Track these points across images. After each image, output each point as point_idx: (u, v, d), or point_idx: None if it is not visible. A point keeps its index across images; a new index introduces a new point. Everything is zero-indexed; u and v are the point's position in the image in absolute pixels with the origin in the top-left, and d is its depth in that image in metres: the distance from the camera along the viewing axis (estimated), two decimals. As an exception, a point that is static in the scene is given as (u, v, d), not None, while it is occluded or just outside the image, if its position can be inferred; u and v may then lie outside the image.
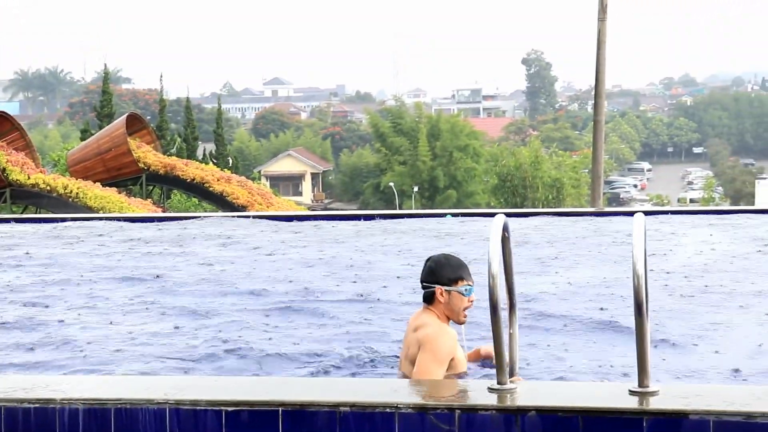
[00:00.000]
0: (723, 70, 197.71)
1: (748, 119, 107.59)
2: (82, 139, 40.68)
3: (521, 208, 43.06)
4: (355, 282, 8.45)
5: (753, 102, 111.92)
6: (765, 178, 53.25)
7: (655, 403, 3.76)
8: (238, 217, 14.64)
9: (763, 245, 10.24)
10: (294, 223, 13.39)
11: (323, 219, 13.99)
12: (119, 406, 3.94)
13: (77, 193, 28.90)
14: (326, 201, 76.97)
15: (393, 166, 59.43)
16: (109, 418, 3.94)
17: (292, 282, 8.46)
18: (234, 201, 32.35)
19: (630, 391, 3.88)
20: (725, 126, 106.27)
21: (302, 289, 8.11)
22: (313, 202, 75.18)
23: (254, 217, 14.18)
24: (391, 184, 57.85)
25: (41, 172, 30.75)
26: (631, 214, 4.06)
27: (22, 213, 27.61)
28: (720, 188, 70.31)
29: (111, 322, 6.99)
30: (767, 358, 5.76)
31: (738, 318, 6.83)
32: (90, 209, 27.65)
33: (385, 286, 8.19)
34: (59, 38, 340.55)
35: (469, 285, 5.01)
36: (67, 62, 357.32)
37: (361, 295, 7.79)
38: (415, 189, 57.66)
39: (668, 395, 3.84)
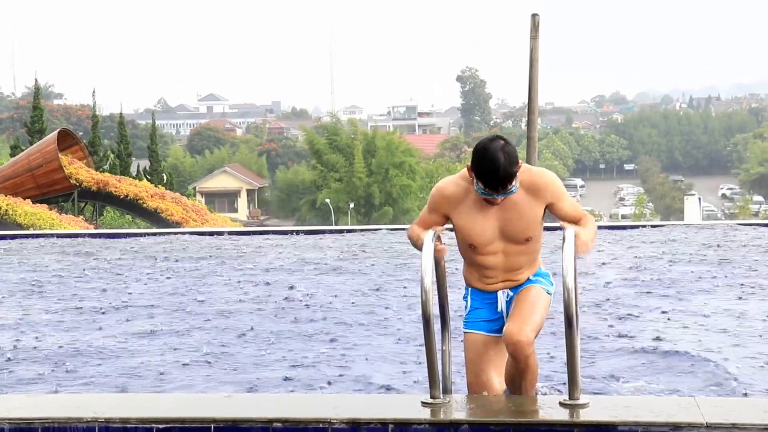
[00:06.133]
0: (652, 88, 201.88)
1: (676, 136, 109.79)
2: (12, 155, 39.89)
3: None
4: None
5: (681, 120, 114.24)
6: (693, 194, 54.37)
7: (585, 416, 3.81)
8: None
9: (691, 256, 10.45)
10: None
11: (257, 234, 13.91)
12: (47, 425, 3.87)
13: (6, 210, 28.35)
14: (262, 218, 76.55)
15: (329, 182, 59.36)
16: (37, 438, 3.87)
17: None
18: (168, 218, 32.01)
19: (561, 403, 3.93)
20: (655, 143, 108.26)
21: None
22: (248, 218, 74.70)
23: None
24: (327, 200, 57.78)
25: (-31, 188, 30.11)
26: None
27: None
28: (651, 204, 71.54)
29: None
30: (696, 372, 5.87)
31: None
32: (20, 226, 27.12)
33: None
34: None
35: (479, 186, 4.40)
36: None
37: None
38: (351, 206, 57.66)
39: (597, 407, 3.90)
